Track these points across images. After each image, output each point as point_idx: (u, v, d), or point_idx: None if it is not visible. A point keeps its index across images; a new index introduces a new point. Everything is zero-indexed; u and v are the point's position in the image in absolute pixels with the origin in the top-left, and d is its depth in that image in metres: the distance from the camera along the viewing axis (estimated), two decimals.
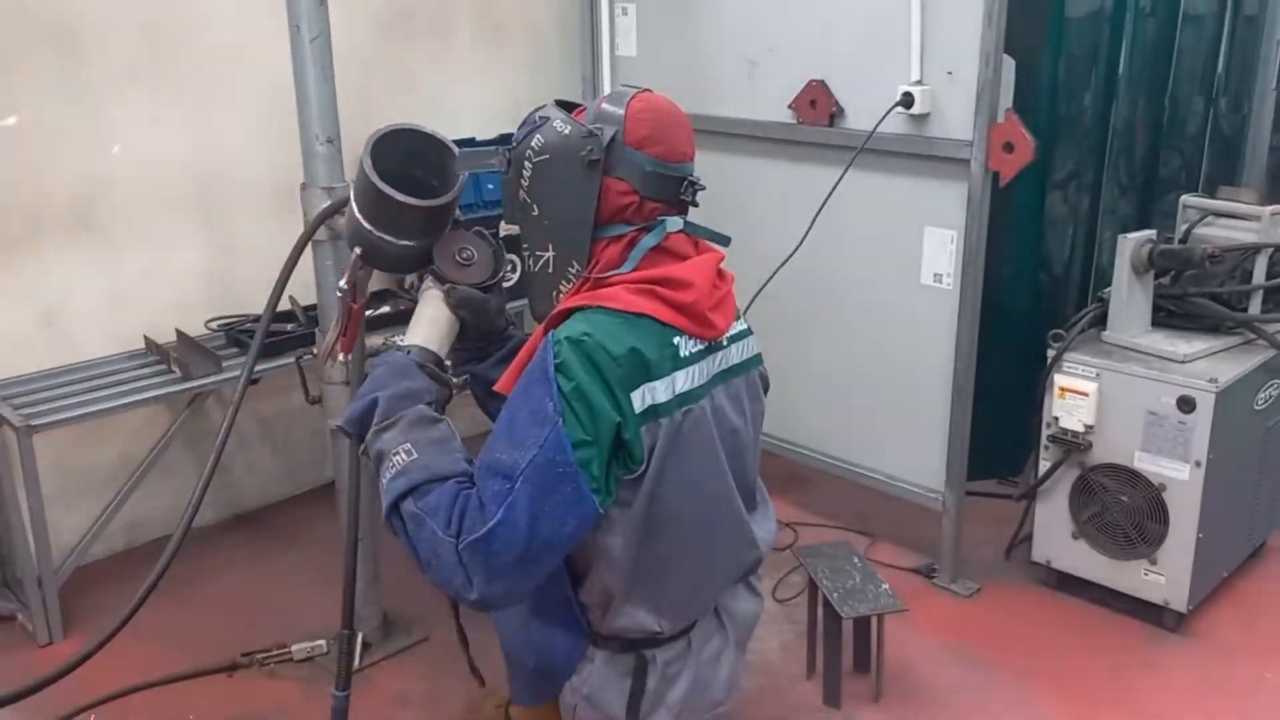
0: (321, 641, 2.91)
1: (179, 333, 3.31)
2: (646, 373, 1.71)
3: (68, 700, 2.67)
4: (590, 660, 1.90)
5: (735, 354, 1.91)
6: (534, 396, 1.66)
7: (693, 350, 1.80)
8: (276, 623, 3.02)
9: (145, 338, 3.29)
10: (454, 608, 2.19)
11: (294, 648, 2.91)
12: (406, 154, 1.96)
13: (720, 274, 1.89)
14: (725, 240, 1.90)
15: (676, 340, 1.77)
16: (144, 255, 3.32)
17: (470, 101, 3.95)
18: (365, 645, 2.90)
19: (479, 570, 1.63)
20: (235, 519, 3.71)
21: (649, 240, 1.79)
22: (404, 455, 1.70)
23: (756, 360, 2.00)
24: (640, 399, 1.70)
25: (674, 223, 1.81)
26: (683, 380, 1.77)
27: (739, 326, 1.95)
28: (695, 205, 1.87)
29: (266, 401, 3.65)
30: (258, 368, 3.05)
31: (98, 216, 3.21)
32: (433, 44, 3.87)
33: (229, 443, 2.53)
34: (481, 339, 2.01)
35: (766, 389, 2.06)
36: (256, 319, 3.03)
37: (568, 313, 1.75)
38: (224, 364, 3.16)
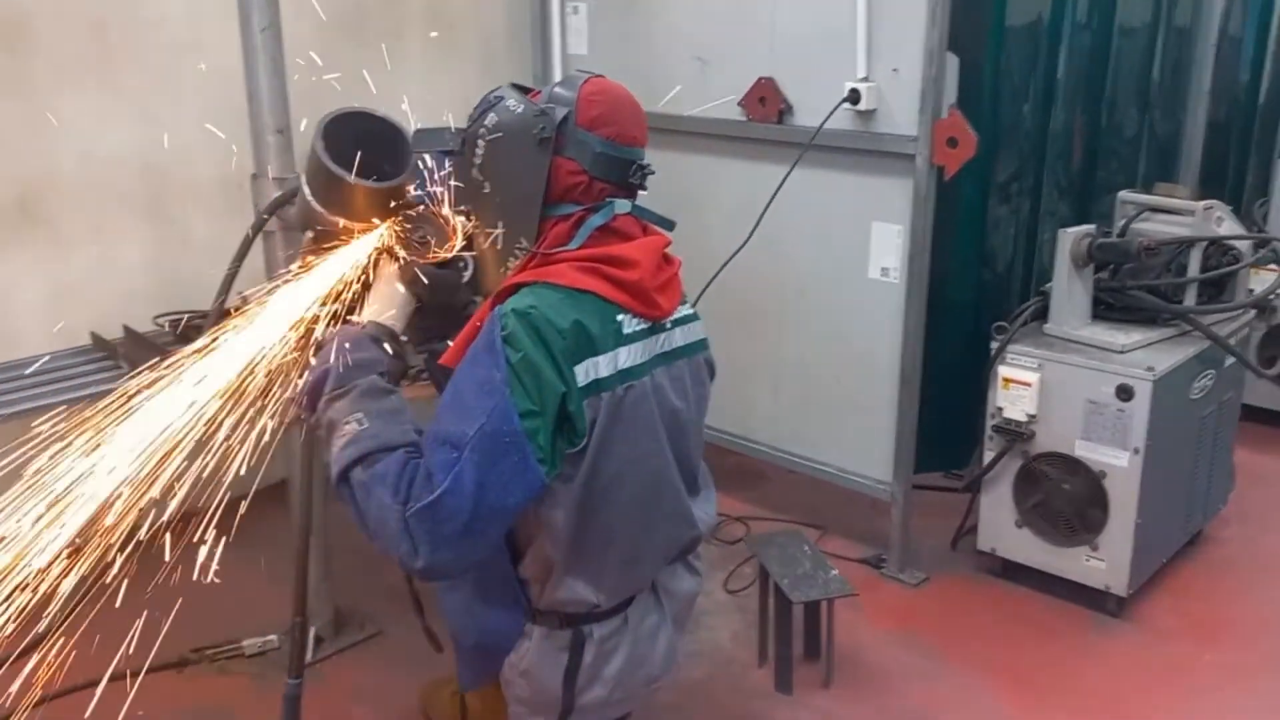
0: (273, 636, 2.90)
1: (126, 329, 3.27)
2: (590, 347, 1.74)
3: (12, 698, 2.63)
4: (528, 637, 1.92)
5: (679, 337, 1.95)
6: (481, 367, 1.69)
7: (636, 328, 1.84)
8: (227, 619, 2.99)
9: (92, 334, 3.25)
10: (408, 575, 2.21)
11: (245, 643, 2.89)
12: (358, 136, 1.97)
13: (666, 258, 1.93)
14: (670, 225, 1.94)
15: (620, 317, 1.81)
16: (91, 250, 3.28)
17: (422, 100, 3.95)
18: (318, 640, 2.89)
19: (425, 538, 1.64)
20: (184, 518, 3.67)
21: (596, 219, 1.82)
22: (354, 424, 1.72)
23: (701, 345, 2.03)
24: (584, 372, 1.73)
25: (622, 205, 1.85)
26: (625, 356, 1.81)
27: (684, 310, 1.98)
28: (644, 189, 1.90)
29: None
30: None
31: (43, 211, 3.17)
32: (384, 43, 3.87)
33: None
34: (440, 316, 2.02)
35: (713, 374, 2.09)
36: (205, 314, 3.01)
37: (514, 288, 1.78)
38: None
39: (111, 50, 3.23)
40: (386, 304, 1.91)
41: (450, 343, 2.00)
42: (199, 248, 3.44)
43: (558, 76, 3.92)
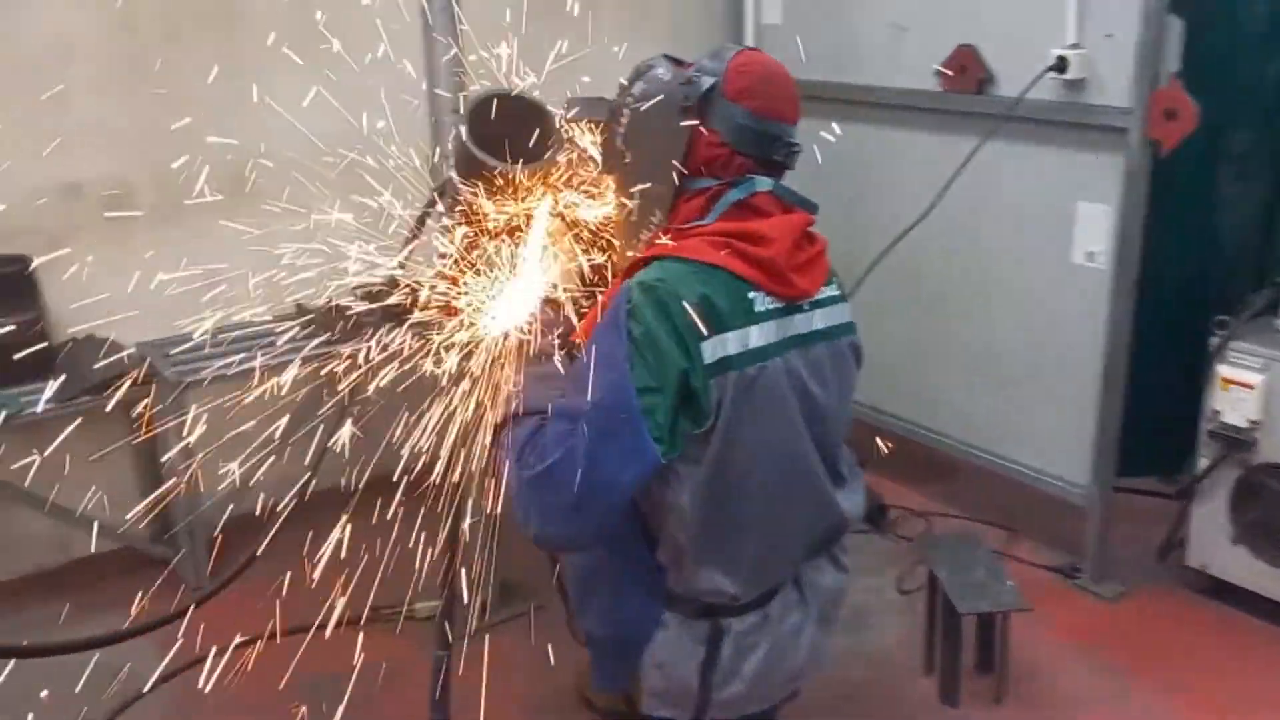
0: None
1: (329, 300, 3.45)
2: (719, 323, 1.69)
3: (196, 647, 2.83)
4: (665, 626, 1.88)
5: (819, 319, 1.86)
6: (605, 342, 1.67)
7: (768, 307, 1.77)
8: (406, 582, 3.11)
9: (297, 304, 3.45)
10: (552, 561, 2.21)
11: (418, 606, 3.00)
12: (504, 118, 1.98)
13: (810, 237, 1.85)
14: (814, 207, 1.86)
15: (751, 295, 1.75)
16: (297, 224, 3.46)
17: (615, 72, 3.95)
18: (483, 609, 2.96)
19: (535, 507, 1.65)
20: (374, 481, 3.85)
21: (734, 194, 1.76)
22: (511, 387, 1.75)
23: (846, 329, 1.93)
24: (711, 349, 1.68)
25: (763, 182, 1.78)
26: (756, 335, 1.74)
27: (828, 292, 1.89)
28: (790, 168, 1.83)
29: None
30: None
31: (255, 186, 3.39)
32: (577, 17, 3.88)
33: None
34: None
35: (860, 360, 1.98)
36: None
37: (644, 261, 1.75)
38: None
39: (314, 31, 3.38)
40: (565, 260, 1.92)
41: None
42: (397, 224, 3.57)
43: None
